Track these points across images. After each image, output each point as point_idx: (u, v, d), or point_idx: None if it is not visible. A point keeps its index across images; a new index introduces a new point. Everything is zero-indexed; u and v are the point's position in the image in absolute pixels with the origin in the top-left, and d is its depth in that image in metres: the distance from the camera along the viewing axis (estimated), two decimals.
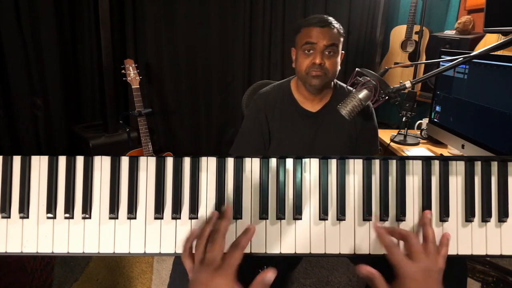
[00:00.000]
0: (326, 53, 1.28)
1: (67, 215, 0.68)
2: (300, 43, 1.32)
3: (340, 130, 1.39)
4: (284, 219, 0.69)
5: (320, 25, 1.27)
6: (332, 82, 1.40)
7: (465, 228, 0.70)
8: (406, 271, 0.63)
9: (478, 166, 0.71)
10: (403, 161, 0.71)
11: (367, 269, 0.64)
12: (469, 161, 0.71)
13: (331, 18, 1.31)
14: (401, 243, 0.67)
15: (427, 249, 0.64)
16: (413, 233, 0.65)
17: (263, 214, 0.69)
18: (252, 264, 1.08)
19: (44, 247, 0.69)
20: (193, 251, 0.65)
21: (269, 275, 0.62)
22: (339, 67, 1.34)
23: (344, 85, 1.45)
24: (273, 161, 0.71)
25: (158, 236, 0.69)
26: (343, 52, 1.36)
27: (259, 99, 1.44)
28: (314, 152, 1.38)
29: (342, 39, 1.32)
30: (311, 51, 1.28)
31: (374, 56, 3.00)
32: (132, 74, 2.28)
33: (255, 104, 1.44)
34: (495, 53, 1.20)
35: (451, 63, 0.87)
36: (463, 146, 1.53)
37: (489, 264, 1.59)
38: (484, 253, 0.70)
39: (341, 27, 1.32)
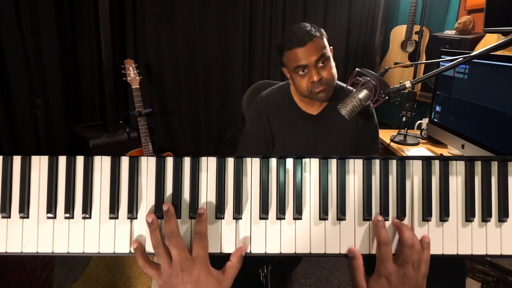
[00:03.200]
0: (320, 65, 1.25)
1: (67, 215, 0.68)
2: (290, 67, 1.29)
3: (341, 131, 1.39)
4: (284, 219, 0.69)
5: (301, 44, 1.23)
6: None
7: (465, 228, 0.70)
8: (386, 270, 0.64)
9: (478, 166, 0.71)
10: (403, 161, 0.71)
11: (352, 250, 0.68)
12: (469, 161, 0.71)
13: (307, 27, 1.26)
14: (394, 242, 0.68)
15: (413, 261, 0.64)
16: (412, 243, 0.65)
17: (263, 214, 0.69)
18: (252, 264, 1.08)
19: (44, 247, 0.69)
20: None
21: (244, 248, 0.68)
22: (334, 67, 1.32)
23: (344, 85, 1.44)
24: (273, 161, 0.71)
25: None
26: (331, 47, 1.33)
27: (260, 102, 1.43)
28: (316, 154, 1.37)
29: (325, 40, 1.29)
30: (305, 71, 1.26)
31: (374, 56, 3.00)
32: (132, 74, 2.28)
33: (256, 107, 1.43)
34: (495, 53, 1.20)
35: (451, 63, 0.87)
36: (463, 146, 1.53)
37: (489, 264, 1.59)
38: (484, 253, 0.70)
39: (319, 29, 1.28)
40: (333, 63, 1.31)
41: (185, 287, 0.62)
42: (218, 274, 0.65)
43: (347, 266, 0.69)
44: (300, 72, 1.26)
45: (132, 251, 0.67)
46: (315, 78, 1.24)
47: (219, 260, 0.68)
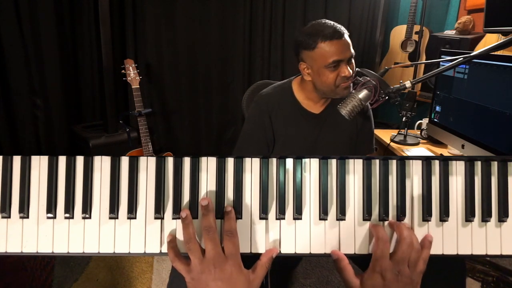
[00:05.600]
0: (351, 61, 1.26)
1: (67, 215, 0.68)
2: (322, 61, 1.23)
3: (342, 130, 1.40)
4: (284, 219, 0.69)
5: (338, 37, 1.21)
6: None
7: (465, 228, 0.70)
8: (380, 267, 0.63)
9: (478, 166, 0.71)
10: (403, 161, 0.71)
11: (335, 252, 0.67)
12: (469, 161, 0.71)
13: (335, 23, 1.26)
14: (393, 242, 0.68)
15: (410, 259, 0.64)
16: (410, 242, 0.64)
17: (263, 214, 0.69)
18: (252, 264, 1.08)
19: (44, 247, 0.68)
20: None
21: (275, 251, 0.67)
22: None
23: None
24: (273, 161, 0.71)
25: (158, 236, 0.68)
26: None
27: (261, 100, 1.41)
28: (317, 152, 1.37)
29: None
30: (337, 66, 1.23)
31: (374, 56, 3.01)
32: (132, 74, 2.29)
33: (257, 105, 1.41)
34: (495, 53, 1.20)
35: (451, 63, 0.87)
36: (463, 146, 1.53)
37: (489, 264, 1.59)
38: (484, 253, 0.70)
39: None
40: None
41: (216, 284, 0.61)
42: (249, 273, 0.65)
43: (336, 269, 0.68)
44: (333, 67, 1.23)
45: (132, 251, 0.67)
46: (347, 73, 1.22)
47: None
